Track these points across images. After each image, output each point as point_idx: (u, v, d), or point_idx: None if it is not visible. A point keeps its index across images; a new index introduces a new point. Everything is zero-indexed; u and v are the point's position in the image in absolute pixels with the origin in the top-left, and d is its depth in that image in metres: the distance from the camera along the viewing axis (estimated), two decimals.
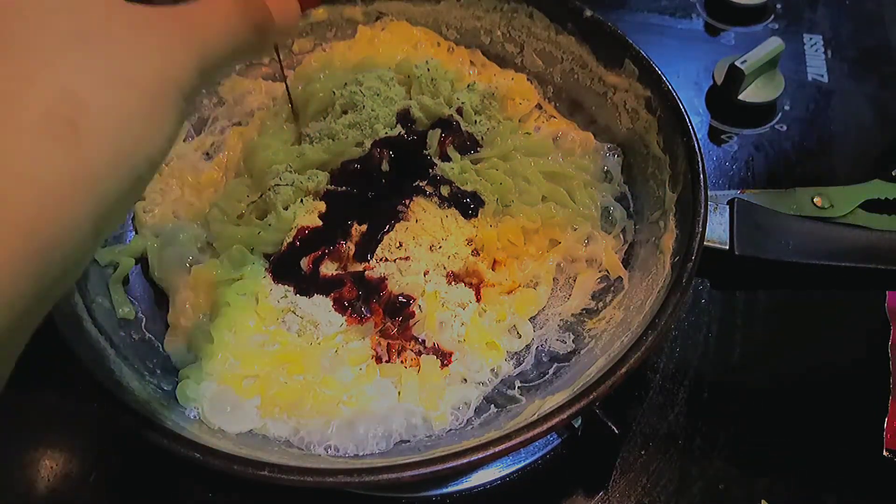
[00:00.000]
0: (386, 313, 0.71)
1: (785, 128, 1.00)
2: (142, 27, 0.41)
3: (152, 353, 0.71)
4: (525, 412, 0.63)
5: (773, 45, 0.98)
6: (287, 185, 0.78)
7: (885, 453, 0.71)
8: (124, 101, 0.38)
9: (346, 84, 0.84)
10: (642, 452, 0.72)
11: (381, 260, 0.73)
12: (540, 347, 0.73)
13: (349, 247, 0.75)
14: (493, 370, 0.70)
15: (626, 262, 0.76)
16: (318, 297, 0.73)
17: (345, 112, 0.83)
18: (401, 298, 0.71)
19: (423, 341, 0.71)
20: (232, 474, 0.53)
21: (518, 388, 0.69)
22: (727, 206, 0.74)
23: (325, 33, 0.94)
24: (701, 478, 0.70)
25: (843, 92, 1.04)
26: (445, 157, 0.81)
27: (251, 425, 0.66)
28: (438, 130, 0.82)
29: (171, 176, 0.83)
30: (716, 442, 0.72)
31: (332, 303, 0.72)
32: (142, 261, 0.77)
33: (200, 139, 0.87)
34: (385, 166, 0.80)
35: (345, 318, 0.72)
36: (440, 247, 0.75)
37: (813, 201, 0.83)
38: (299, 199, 0.78)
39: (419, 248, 0.74)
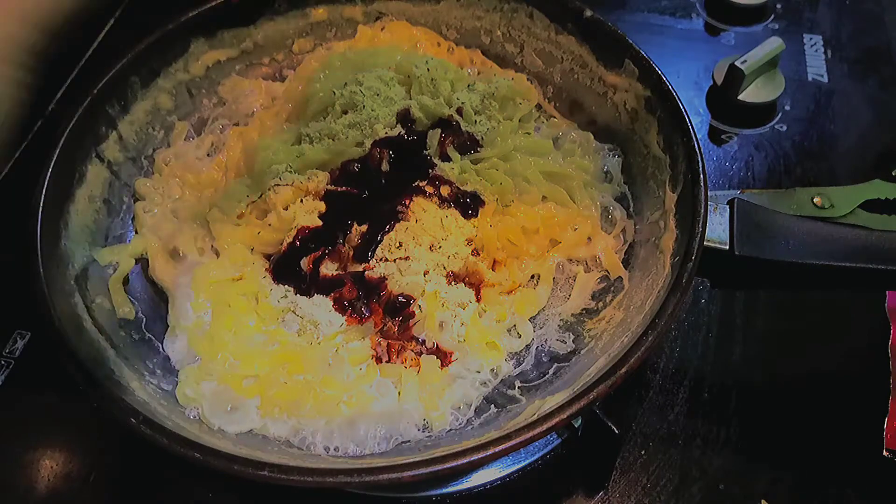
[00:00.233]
0: (386, 313, 0.71)
1: (785, 128, 1.00)
2: None
3: (152, 353, 0.71)
4: (525, 412, 0.63)
5: (773, 45, 0.98)
6: (287, 185, 0.78)
7: (885, 453, 0.71)
8: None
9: (346, 84, 0.84)
10: (642, 452, 0.72)
11: (381, 260, 0.73)
12: (540, 347, 0.73)
13: (349, 247, 0.75)
14: (493, 370, 0.70)
15: (626, 262, 0.76)
16: (318, 297, 0.73)
17: (345, 112, 0.83)
18: (401, 298, 0.71)
19: (423, 341, 0.71)
20: (232, 474, 0.53)
21: (518, 388, 0.69)
22: (727, 206, 0.74)
23: (325, 33, 0.94)
24: (701, 478, 0.70)
25: (843, 92, 1.04)
26: (445, 157, 0.81)
27: (251, 425, 0.66)
28: (438, 130, 0.82)
29: (171, 176, 0.83)
30: (716, 442, 0.72)
31: (332, 303, 0.72)
32: (142, 261, 0.77)
33: (200, 139, 0.87)
34: (385, 166, 0.80)
35: (345, 318, 0.72)
36: (440, 247, 0.75)
37: (813, 201, 0.83)
38: (299, 199, 0.78)
39: (419, 248, 0.74)
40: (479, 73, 0.92)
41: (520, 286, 0.76)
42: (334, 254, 0.75)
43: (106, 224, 0.78)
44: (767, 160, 0.97)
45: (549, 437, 0.68)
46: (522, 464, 0.71)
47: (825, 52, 1.10)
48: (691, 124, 0.72)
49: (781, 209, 0.79)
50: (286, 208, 0.77)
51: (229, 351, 0.69)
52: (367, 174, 0.80)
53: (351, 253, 0.74)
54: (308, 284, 0.73)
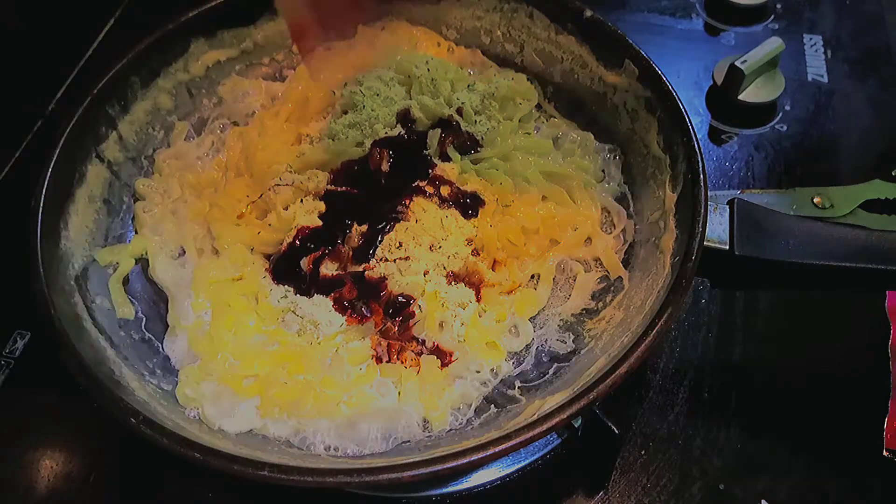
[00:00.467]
0: (386, 313, 0.71)
1: (785, 128, 1.00)
2: None
3: (152, 353, 0.71)
4: (525, 412, 0.63)
5: (773, 45, 0.98)
6: (287, 185, 0.78)
7: (885, 453, 0.71)
8: None
9: (346, 84, 0.84)
10: (642, 452, 0.72)
11: (381, 260, 0.73)
12: (540, 347, 0.73)
13: (349, 247, 0.75)
14: (493, 370, 0.70)
15: (626, 262, 0.76)
16: (318, 297, 0.73)
17: (345, 112, 0.83)
18: (401, 298, 0.71)
19: (424, 341, 0.71)
20: (232, 474, 0.53)
21: (518, 388, 0.69)
22: (727, 206, 0.74)
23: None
24: (701, 478, 0.70)
25: (843, 92, 1.04)
26: (445, 157, 0.81)
27: (251, 425, 0.66)
28: (438, 130, 0.82)
29: (171, 176, 0.83)
30: (716, 442, 0.72)
31: (332, 303, 0.72)
32: (142, 261, 0.77)
33: (200, 139, 0.87)
34: (385, 166, 0.80)
35: (345, 318, 0.72)
36: (440, 247, 0.75)
37: (813, 201, 0.83)
38: (299, 199, 0.78)
39: (419, 248, 0.74)
40: (479, 73, 0.92)
41: (520, 286, 0.76)
42: (334, 254, 0.75)
43: (106, 224, 0.78)
44: (767, 160, 0.97)
45: (549, 437, 0.68)
46: (522, 464, 0.71)
47: (825, 52, 1.10)
48: (691, 124, 0.72)
49: (781, 209, 0.79)
50: (286, 208, 0.77)
51: (229, 351, 0.69)
52: (367, 174, 0.80)
53: (351, 253, 0.74)
54: (308, 284, 0.73)
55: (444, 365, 0.69)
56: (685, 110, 0.73)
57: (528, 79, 0.90)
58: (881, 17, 1.15)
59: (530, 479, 0.71)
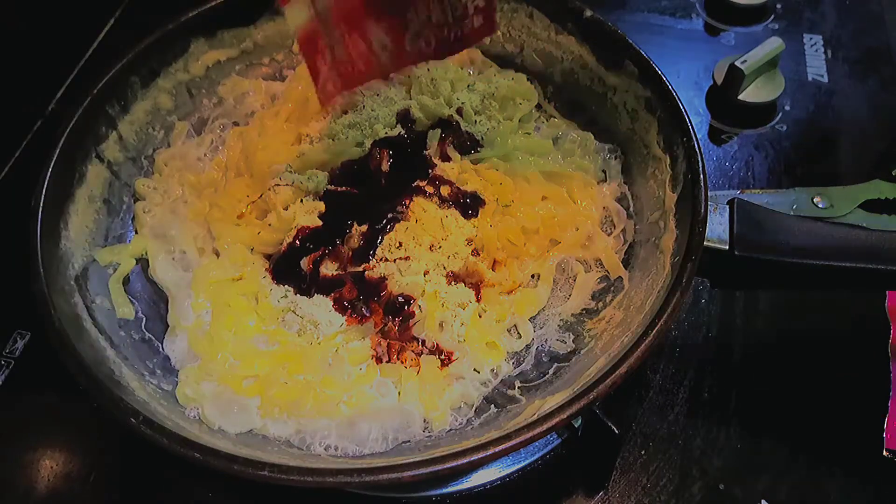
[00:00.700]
0: (386, 313, 0.71)
1: (785, 128, 1.00)
2: None
3: (152, 353, 0.71)
4: (525, 412, 0.63)
5: (773, 45, 0.98)
6: (287, 185, 0.78)
7: (885, 453, 0.71)
8: None
9: None
10: (642, 452, 0.72)
11: (381, 260, 0.73)
12: (540, 347, 0.73)
13: (349, 247, 0.75)
14: (493, 370, 0.70)
15: (626, 262, 0.76)
16: (318, 297, 0.73)
17: (345, 112, 0.83)
18: (401, 298, 0.71)
19: (424, 341, 0.71)
20: (232, 474, 0.53)
21: (518, 388, 0.69)
22: (727, 206, 0.74)
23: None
24: (701, 478, 0.70)
25: (843, 92, 1.04)
26: (445, 157, 0.81)
27: (251, 425, 0.66)
28: (438, 130, 0.82)
29: (171, 176, 0.83)
30: (716, 442, 0.72)
31: (332, 303, 0.72)
32: (142, 261, 0.77)
33: (200, 139, 0.87)
34: (385, 166, 0.80)
35: (345, 318, 0.72)
36: (440, 247, 0.75)
37: (813, 201, 0.83)
38: (299, 199, 0.78)
39: (419, 248, 0.74)
40: (479, 73, 0.92)
41: (520, 286, 0.76)
42: (334, 254, 0.75)
43: (106, 224, 0.78)
44: (767, 160, 0.97)
45: (549, 437, 0.68)
46: (522, 464, 0.71)
47: (825, 52, 1.10)
48: (691, 124, 0.72)
49: (781, 209, 0.79)
50: (286, 208, 0.77)
51: (229, 351, 0.69)
52: (367, 174, 0.80)
53: (351, 253, 0.74)
54: (308, 284, 0.73)
55: (444, 365, 0.69)
56: (685, 110, 0.73)
57: (528, 79, 0.90)
58: (881, 17, 1.15)
59: (530, 479, 0.71)
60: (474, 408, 0.68)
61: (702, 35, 1.13)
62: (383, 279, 0.72)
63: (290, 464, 0.54)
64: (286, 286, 0.74)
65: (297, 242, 0.75)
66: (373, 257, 0.74)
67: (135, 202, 0.81)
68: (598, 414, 0.63)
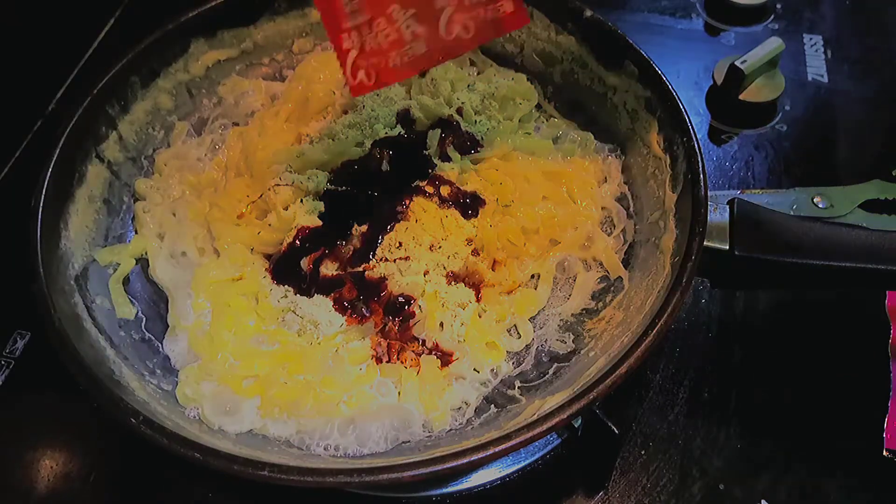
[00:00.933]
0: (386, 313, 0.71)
1: (785, 128, 1.00)
2: None
3: (152, 353, 0.71)
4: (525, 412, 0.63)
5: (773, 45, 0.98)
6: (287, 185, 0.78)
7: (885, 453, 0.71)
8: None
9: (346, 84, 0.84)
10: (642, 452, 0.72)
11: (381, 260, 0.73)
12: (540, 347, 0.73)
13: (349, 247, 0.75)
14: (493, 370, 0.70)
15: (626, 262, 0.76)
16: (318, 297, 0.73)
17: (345, 112, 0.83)
18: (401, 298, 0.71)
19: (424, 341, 0.71)
20: (232, 474, 0.53)
21: (518, 388, 0.69)
22: (727, 206, 0.74)
23: (325, 33, 0.94)
24: (701, 478, 0.70)
25: (843, 92, 1.04)
26: (445, 157, 0.81)
27: (251, 425, 0.66)
28: (438, 130, 0.82)
29: (171, 176, 0.83)
30: (716, 442, 0.72)
31: (332, 303, 0.72)
32: (142, 261, 0.77)
33: (200, 139, 0.87)
34: (385, 166, 0.80)
35: (345, 318, 0.72)
36: (440, 247, 0.75)
37: (813, 201, 0.83)
38: (299, 199, 0.78)
39: (419, 248, 0.74)
40: (478, 73, 0.92)
41: (520, 286, 0.76)
42: (334, 254, 0.75)
43: (106, 224, 0.78)
44: (767, 160, 0.97)
45: (549, 437, 0.68)
46: (522, 464, 0.71)
47: (825, 52, 1.10)
48: (691, 124, 0.72)
49: (781, 209, 0.79)
50: (286, 208, 0.77)
51: (229, 351, 0.69)
52: (367, 174, 0.80)
53: (351, 253, 0.74)
54: (308, 284, 0.73)
55: (444, 365, 0.69)
56: (685, 110, 0.73)
57: (528, 79, 0.90)
58: (881, 17, 1.15)
59: (530, 479, 0.71)
60: (474, 408, 0.68)
61: (702, 35, 1.13)
62: (383, 279, 0.72)
63: (290, 464, 0.54)
64: (286, 286, 0.74)
65: (297, 242, 0.75)
66: (373, 257, 0.74)
67: (135, 202, 0.81)
68: (598, 414, 0.63)
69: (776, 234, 0.72)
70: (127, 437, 0.56)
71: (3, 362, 0.79)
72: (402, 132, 0.82)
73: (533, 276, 0.77)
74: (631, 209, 0.80)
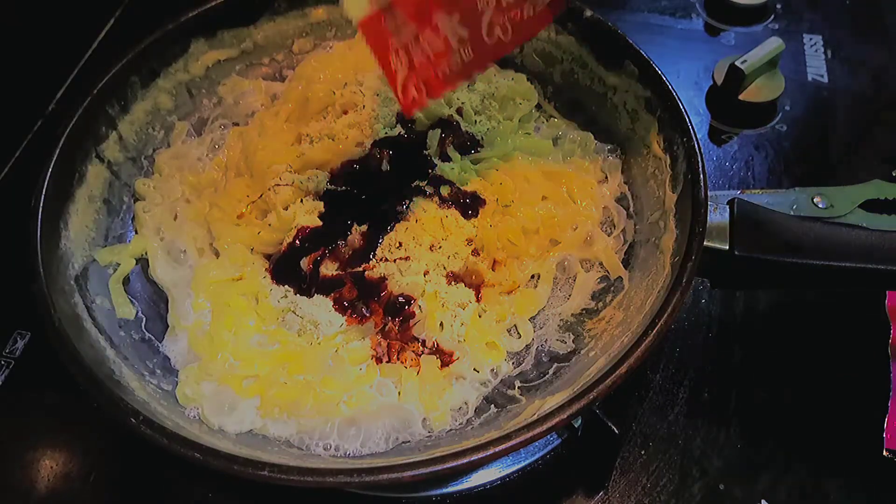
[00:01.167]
0: (386, 313, 0.71)
1: (785, 128, 1.00)
2: None
3: (152, 353, 0.71)
4: (525, 412, 0.63)
5: (773, 45, 0.98)
6: (287, 185, 0.78)
7: (885, 453, 0.71)
8: None
9: (346, 84, 0.84)
10: (642, 452, 0.72)
11: (381, 260, 0.73)
12: (540, 347, 0.73)
13: (349, 247, 0.75)
14: (493, 370, 0.70)
15: (626, 262, 0.76)
16: (318, 297, 0.73)
17: (345, 112, 0.83)
18: (401, 298, 0.71)
19: (424, 341, 0.71)
20: (232, 474, 0.53)
21: (518, 388, 0.69)
22: (727, 206, 0.74)
23: (324, 33, 0.94)
24: (701, 478, 0.70)
25: (843, 92, 1.04)
26: (445, 157, 0.81)
27: (251, 425, 0.66)
28: (438, 130, 0.82)
29: (171, 176, 0.83)
30: (716, 442, 0.72)
31: (332, 303, 0.72)
32: (142, 261, 0.77)
33: (200, 139, 0.87)
34: (385, 166, 0.80)
35: (345, 318, 0.72)
36: (440, 247, 0.75)
37: (813, 201, 0.83)
38: (299, 199, 0.78)
39: (419, 248, 0.74)
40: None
41: (520, 286, 0.76)
42: (334, 254, 0.75)
43: (106, 224, 0.78)
44: (767, 160, 0.97)
45: (549, 437, 0.68)
46: (522, 464, 0.71)
47: (825, 52, 1.10)
48: (691, 124, 0.72)
49: (781, 209, 0.79)
50: (286, 208, 0.77)
51: (229, 351, 0.69)
52: (367, 174, 0.80)
53: (351, 253, 0.74)
54: (308, 284, 0.73)
55: (444, 365, 0.69)
56: (685, 110, 0.73)
57: (528, 79, 0.90)
58: (881, 17, 1.15)
59: (530, 479, 0.71)
60: (474, 408, 0.68)
61: (702, 35, 1.13)
62: (383, 279, 0.72)
63: (290, 464, 0.54)
64: (286, 286, 0.74)
65: (297, 242, 0.75)
66: (373, 257, 0.74)
67: (135, 202, 0.81)
68: (598, 414, 0.63)
69: (776, 234, 0.72)
70: (127, 437, 0.56)
71: (3, 362, 0.79)
72: (402, 132, 0.82)
73: (533, 276, 0.77)
74: (631, 209, 0.80)
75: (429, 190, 0.78)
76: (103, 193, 0.78)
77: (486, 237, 0.76)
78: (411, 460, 0.53)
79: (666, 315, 0.59)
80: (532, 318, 0.74)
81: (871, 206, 0.83)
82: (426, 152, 0.81)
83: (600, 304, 0.74)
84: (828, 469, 0.70)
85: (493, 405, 0.68)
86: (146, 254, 0.77)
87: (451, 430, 0.66)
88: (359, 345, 0.70)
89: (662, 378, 0.77)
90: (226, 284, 0.74)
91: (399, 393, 0.68)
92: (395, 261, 0.73)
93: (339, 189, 0.79)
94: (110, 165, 0.79)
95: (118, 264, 0.75)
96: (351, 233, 0.75)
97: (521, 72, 0.91)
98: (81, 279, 0.71)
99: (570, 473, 0.71)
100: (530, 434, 0.53)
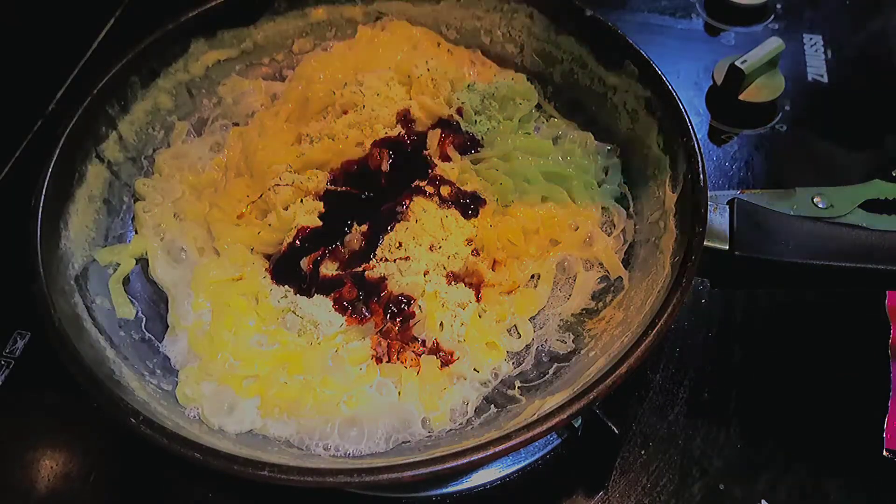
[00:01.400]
0: (386, 313, 0.71)
1: (785, 128, 1.00)
2: None
3: (152, 353, 0.71)
4: (525, 412, 0.63)
5: (773, 45, 0.98)
6: (287, 185, 0.78)
7: (885, 453, 0.71)
8: None
9: (346, 84, 0.84)
10: (642, 452, 0.72)
11: (381, 260, 0.73)
12: (540, 347, 0.73)
13: (349, 247, 0.75)
14: (493, 370, 0.70)
15: (626, 262, 0.76)
16: (318, 297, 0.73)
17: (345, 112, 0.83)
18: (401, 298, 0.71)
19: (424, 341, 0.71)
20: (232, 474, 0.53)
21: (518, 388, 0.69)
22: (727, 206, 0.74)
23: (325, 33, 0.94)
24: (701, 478, 0.70)
25: (843, 92, 1.04)
26: (445, 157, 0.81)
27: (251, 425, 0.66)
28: (438, 130, 0.82)
29: (171, 176, 0.83)
30: (716, 442, 0.72)
31: (332, 303, 0.72)
32: (142, 261, 0.77)
33: (200, 139, 0.87)
34: (385, 166, 0.80)
35: (345, 318, 0.72)
36: (440, 247, 0.75)
37: (813, 201, 0.83)
38: (299, 199, 0.78)
39: (419, 248, 0.74)
40: (478, 73, 0.92)
41: (520, 286, 0.76)
42: (334, 254, 0.75)
43: (106, 224, 0.78)
44: (767, 160, 0.97)
45: (549, 437, 0.68)
46: (522, 464, 0.71)
47: (825, 52, 1.10)
48: (691, 124, 0.72)
49: (781, 209, 0.79)
50: (286, 208, 0.77)
51: (229, 351, 0.69)
52: (367, 174, 0.80)
53: (351, 253, 0.74)
54: (308, 284, 0.73)
55: (444, 365, 0.69)
56: (685, 110, 0.73)
57: (528, 79, 0.90)
58: (881, 17, 1.15)
59: (530, 479, 0.71)
60: (474, 408, 0.68)
61: (702, 35, 1.13)
62: (383, 279, 0.72)
63: (290, 464, 0.54)
64: (286, 286, 0.74)
65: (297, 242, 0.75)
66: (373, 257, 0.74)
67: (135, 202, 0.81)
68: (598, 414, 0.63)
69: (776, 234, 0.72)
70: (127, 437, 0.56)
71: (3, 362, 0.79)
72: (402, 132, 0.82)
73: (533, 276, 0.77)
74: (631, 209, 0.80)
75: (429, 190, 0.78)
76: (103, 193, 0.78)
77: (486, 237, 0.76)
78: (411, 460, 0.53)
79: (666, 315, 0.59)
80: (532, 318, 0.74)
81: (871, 206, 0.83)
82: (426, 152, 0.81)
83: (600, 304, 0.74)
84: (828, 469, 0.70)
85: (493, 405, 0.68)
86: (146, 254, 0.77)
87: (451, 430, 0.66)
88: (359, 345, 0.70)
89: (662, 378, 0.77)
90: (226, 284, 0.74)
91: (399, 393, 0.68)
92: (395, 261, 0.73)
93: (339, 189, 0.79)
94: (110, 165, 0.79)
95: (118, 264, 0.75)
96: (351, 233, 0.75)
97: (521, 72, 0.91)
98: (81, 279, 0.71)
99: (570, 473, 0.71)
100: (530, 434, 0.53)
